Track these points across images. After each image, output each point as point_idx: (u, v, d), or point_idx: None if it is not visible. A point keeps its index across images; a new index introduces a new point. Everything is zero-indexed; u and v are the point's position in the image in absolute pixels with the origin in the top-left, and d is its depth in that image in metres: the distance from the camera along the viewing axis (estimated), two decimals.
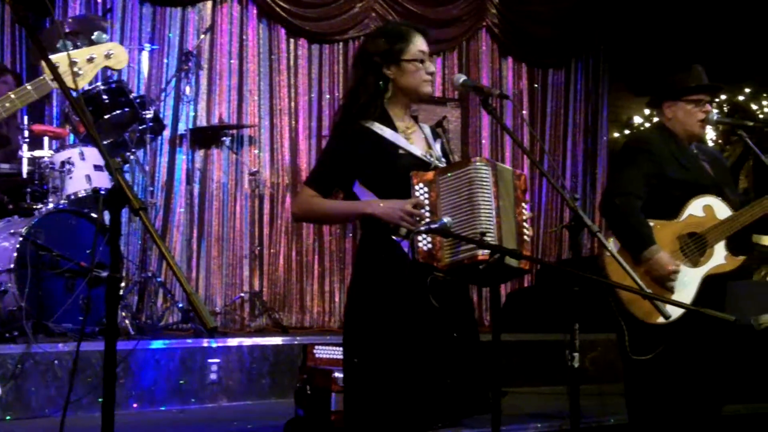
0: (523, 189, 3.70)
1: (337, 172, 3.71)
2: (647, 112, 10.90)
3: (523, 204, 3.68)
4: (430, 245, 3.47)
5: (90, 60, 3.43)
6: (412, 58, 3.73)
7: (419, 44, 3.76)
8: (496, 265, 3.46)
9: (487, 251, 3.39)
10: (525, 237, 3.64)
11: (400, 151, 3.67)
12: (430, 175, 3.57)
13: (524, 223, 3.65)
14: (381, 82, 3.72)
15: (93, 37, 3.45)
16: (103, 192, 6.89)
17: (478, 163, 3.52)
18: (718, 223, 4.62)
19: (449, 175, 3.54)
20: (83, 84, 3.51)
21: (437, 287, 3.53)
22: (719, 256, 4.61)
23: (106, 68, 3.60)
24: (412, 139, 3.75)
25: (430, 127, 3.92)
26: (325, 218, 4.20)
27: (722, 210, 4.66)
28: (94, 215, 6.67)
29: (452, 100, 9.85)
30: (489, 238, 3.40)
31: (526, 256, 3.58)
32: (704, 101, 4.80)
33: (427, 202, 3.53)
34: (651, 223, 4.61)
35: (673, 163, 4.73)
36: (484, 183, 3.48)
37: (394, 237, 3.57)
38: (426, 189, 3.54)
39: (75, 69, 3.30)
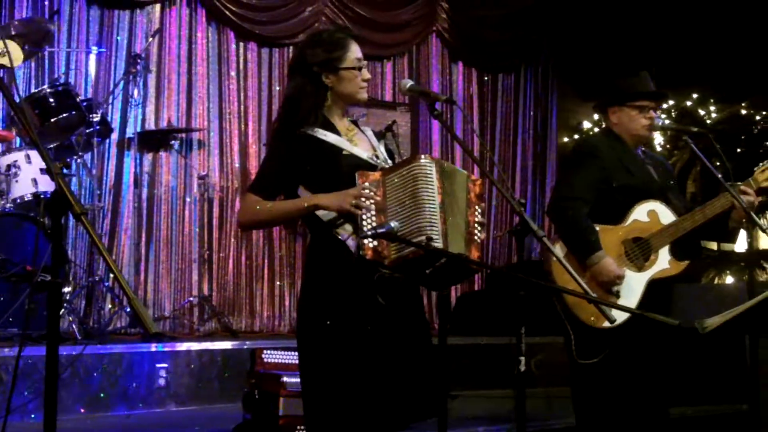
0: (477, 193, 3.71)
1: (280, 177, 3.68)
2: (596, 117, 10.97)
3: (477, 207, 3.69)
4: (375, 243, 3.46)
5: None
6: (350, 66, 3.73)
7: (356, 52, 3.76)
8: (443, 267, 3.50)
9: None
10: (475, 238, 3.65)
11: (344, 153, 3.66)
12: (376, 175, 3.57)
13: (476, 226, 3.66)
14: (322, 91, 3.72)
15: None
16: (46, 196, 6.82)
17: (423, 160, 3.53)
18: (662, 229, 4.66)
19: (395, 173, 3.54)
20: None
21: (385, 285, 3.53)
22: (663, 261, 4.65)
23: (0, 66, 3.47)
24: (356, 141, 3.75)
25: (372, 130, 3.92)
26: (272, 220, 3.85)
27: (666, 215, 4.70)
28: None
29: (402, 105, 9.87)
30: (434, 236, 3.41)
31: (470, 260, 3.59)
32: (648, 107, 4.83)
33: (373, 202, 3.52)
34: (597, 228, 4.65)
35: (619, 168, 4.76)
36: (429, 179, 3.49)
37: (339, 236, 3.56)
38: (372, 189, 3.53)
39: None
